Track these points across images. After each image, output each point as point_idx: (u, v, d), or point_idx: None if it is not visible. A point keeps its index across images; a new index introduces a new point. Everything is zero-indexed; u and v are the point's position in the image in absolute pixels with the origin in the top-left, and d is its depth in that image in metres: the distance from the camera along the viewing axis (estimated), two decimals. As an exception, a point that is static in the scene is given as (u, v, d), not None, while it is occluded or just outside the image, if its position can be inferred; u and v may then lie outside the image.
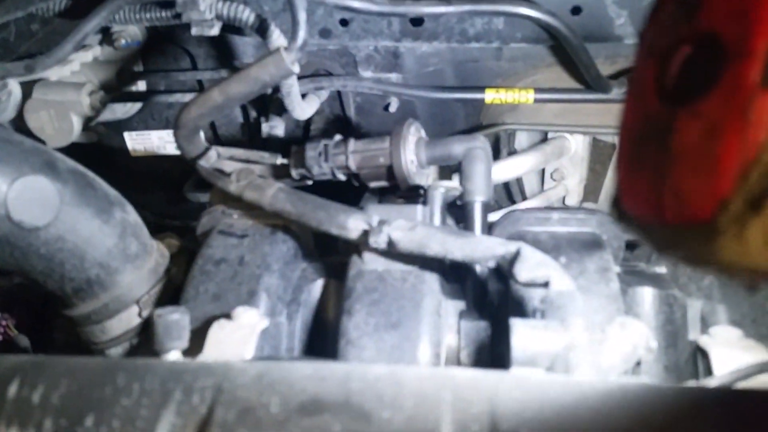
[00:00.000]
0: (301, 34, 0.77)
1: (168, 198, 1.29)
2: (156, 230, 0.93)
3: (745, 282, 0.31)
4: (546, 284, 0.63)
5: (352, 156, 0.84)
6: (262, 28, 0.80)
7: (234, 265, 0.80)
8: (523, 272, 0.65)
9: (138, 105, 1.14)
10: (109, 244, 0.77)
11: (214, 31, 0.84)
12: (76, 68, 1.00)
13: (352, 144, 0.86)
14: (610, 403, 0.44)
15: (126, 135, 1.20)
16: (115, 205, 0.79)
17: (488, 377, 0.45)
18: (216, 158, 0.88)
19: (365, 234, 0.74)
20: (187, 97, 1.08)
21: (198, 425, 0.43)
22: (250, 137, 1.14)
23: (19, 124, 1.02)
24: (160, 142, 1.20)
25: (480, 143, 0.83)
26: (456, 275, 0.81)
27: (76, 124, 1.02)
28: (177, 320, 0.66)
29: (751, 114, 0.26)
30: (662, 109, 0.31)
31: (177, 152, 1.19)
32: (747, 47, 0.27)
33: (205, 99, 0.80)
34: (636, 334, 0.59)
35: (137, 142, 1.21)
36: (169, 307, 0.67)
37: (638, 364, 0.62)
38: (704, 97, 0.29)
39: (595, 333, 0.58)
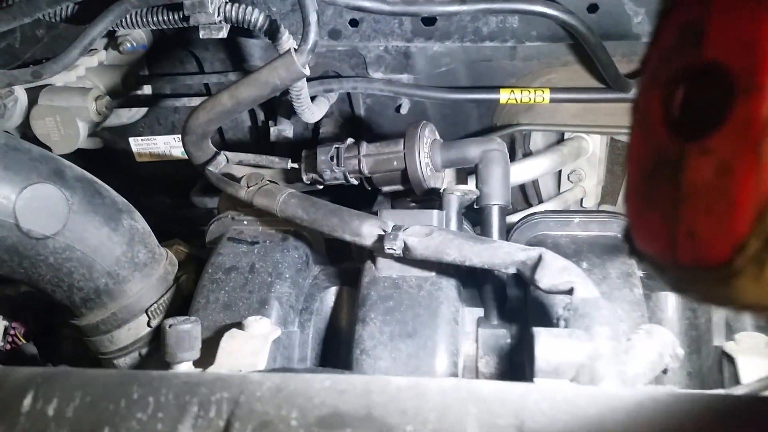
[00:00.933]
0: (312, 36, 0.77)
1: (174, 203, 1.29)
2: (162, 236, 0.94)
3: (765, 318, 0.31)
4: (570, 291, 0.63)
5: (364, 160, 0.84)
6: (271, 30, 0.80)
7: (245, 273, 0.80)
8: (545, 279, 0.65)
9: (143, 110, 1.14)
10: (118, 253, 0.78)
11: (223, 33, 0.84)
12: (81, 73, 1.00)
13: (365, 147, 0.86)
14: (641, 414, 0.44)
15: (131, 140, 1.20)
16: (124, 212, 0.80)
17: (514, 390, 0.45)
18: (225, 163, 0.88)
19: (380, 240, 0.74)
20: (194, 101, 1.08)
21: (215, 441, 0.42)
22: (257, 141, 1.14)
23: (25, 130, 1.02)
24: (165, 147, 1.20)
25: (497, 145, 0.83)
26: (474, 281, 0.81)
27: (82, 129, 1.02)
28: (188, 330, 0.66)
29: (764, 152, 0.26)
30: (671, 143, 0.30)
31: (183, 157, 1.19)
32: (757, 81, 0.26)
33: (214, 104, 0.80)
34: (662, 341, 0.58)
35: (143, 147, 1.21)
36: (180, 318, 0.67)
37: (665, 371, 0.61)
38: (714, 133, 0.28)
39: (620, 341, 0.57)
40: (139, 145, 1.20)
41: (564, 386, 0.52)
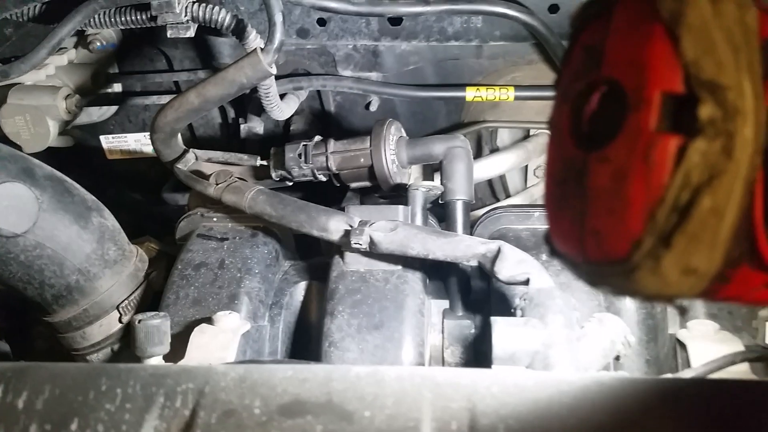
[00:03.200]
0: (278, 35, 0.78)
1: (146, 200, 1.30)
2: (134, 233, 0.94)
3: (673, 306, 0.34)
4: (526, 282, 0.65)
5: (332, 157, 0.86)
6: (238, 30, 0.81)
7: (214, 268, 0.81)
8: (504, 270, 0.67)
9: (114, 108, 1.14)
10: (88, 250, 0.78)
11: (190, 33, 0.85)
12: (51, 72, 1.01)
13: (332, 144, 0.87)
14: (587, 397, 0.46)
15: (102, 138, 1.20)
16: (93, 210, 0.80)
17: (467, 375, 0.47)
18: (194, 161, 0.89)
19: (346, 235, 0.76)
20: (164, 98, 1.09)
21: (181, 428, 0.44)
22: (228, 138, 1.15)
23: (-7, 129, 1.02)
24: (136, 144, 1.20)
25: (460, 142, 0.85)
26: (439, 273, 0.83)
27: (52, 128, 1.02)
28: (158, 325, 0.67)
29: (652, 158, 0.29)
30: (577, 153, 0.34)
31: (154, 154, 1.20)
32: (643, 95, 0.30)
33: (182, 102, 0.81)
34: (614, 329, 0.61)
35: (114, 144, 1.21)
36: (149, 313, 0.68)
37: (617, 358, 0.64)
38: (611, 143, 0.31)
39: (573, 329, 0.60)
40: (110, 142, 1.21)
41: (515, 371, 0.54)
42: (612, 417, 0.46)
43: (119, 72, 1.13)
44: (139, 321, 0.66)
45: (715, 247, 0.29)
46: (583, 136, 0.34)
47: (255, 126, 1.10)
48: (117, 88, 1.13)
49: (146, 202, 1.29)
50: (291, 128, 1.13)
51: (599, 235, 0.32)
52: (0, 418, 0.46)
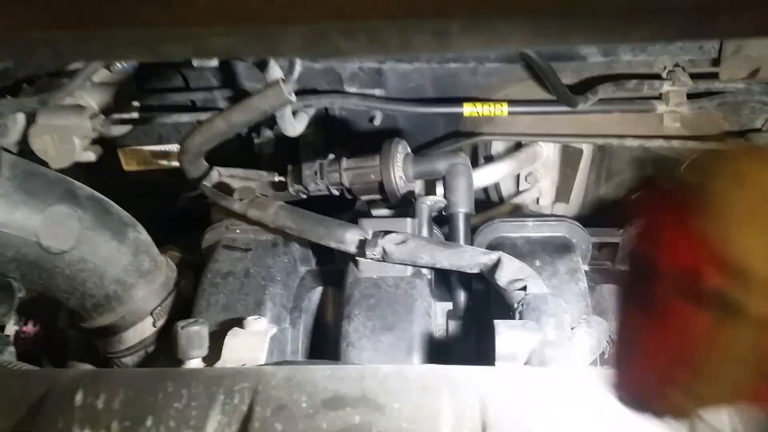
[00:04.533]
0: (297, 68, 0.87)
1: (160, 210, 1.38)
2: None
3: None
4: (524, 288, 0.75)
5: (345, 173, 0.95)
6: (261, 62, 0.89)
7: (240, 277, 0.90)
8: (503, 278, 0.77)
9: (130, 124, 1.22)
10: (125, 263, 0.87)
11: (214, 62, 0.93)
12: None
13: (345, 162, 0.96)
14: (577, 388, 0.56)
15: (119, 151, 1.28)
16: (129, 226, 0.89)
17: (477, 372, 0.56)
18: (218, 178, 0.97)
19: (361, 246, 0.86)
20: (183, 116, 1.16)
21: (241, 422, 0.53)
22: (241, 152, 1.23)
23: (22, 146, 1.10)
24: (152, 157, 1.28)
25: (462, 159, 0.95)
26: (443, 279, 0.93)
27: (78, 145, 1.10)
28: (198, 331, 0.76)
29: None
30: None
31: (169, 166, 1.28)
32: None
33: (209, 127, 0.90)
34: (600, 329, 0.71)
35: (130, 157, 1.29)
36: (189, 320, 0.77)
37: (603, 354, 0.74)
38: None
39: (565, 330, 0.70)
40: (126, 155, 1.28)
41: (515, 368, 0.64)
42: (598, 405, 0.55)
43: (138, 90, 1.20)
44: (182, 327, 0.75)
45: None
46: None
47: (267, 141, 1.18)
48: (135, 104, 1.21)
49: (160, 212, 1.37)
50: (300, 141, 1.21)
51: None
52: (84, 418, 0.54)
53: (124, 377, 0.57)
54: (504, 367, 0.64)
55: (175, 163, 1.27)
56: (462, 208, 0.92)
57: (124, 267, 0.87)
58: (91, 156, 1.20)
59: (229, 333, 0.80)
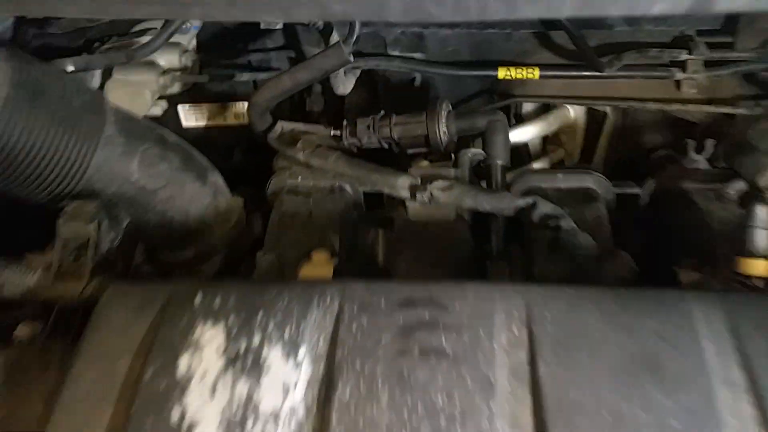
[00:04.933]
0: (356, 30, 1.00)
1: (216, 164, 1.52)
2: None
3: None
4: (557, 226, 0.89)
5: (395, 128, 1.08)
6: (325, 26, 1.02)
7: (304, 218, 1.04)
8: (537, 217, 0.91)
9: (192, 81, 1.36)
10: (206, 202, 1.01)
11: (280, 24, 1.06)
12: (148, 51, 1.22)
13: (394, 118, 1.10)
14: (603, 301, 0.69)
15: (180, 107, 1.41)
16: (208, 170, 1.03)
17: (521, 286, 0.70)
18: (281, 131, 1.11)
19: (412, 191, 0.99)
20: (243, 76, 1.29)
21: (335, 316, 0.67)
22: (292, 109, 1.37)
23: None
24: (209, 113, 1.42)
25: (500, 116, 1.08)
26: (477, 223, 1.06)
27: (149, 100, 1.24)
28: (273, 260, 0.91)
29: None
30: None
31: (226, 123, 1.42)
32: None
33: (277, 84, 1.04)
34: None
35: (189, 113, 1.43)
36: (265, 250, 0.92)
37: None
38: None
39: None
40: (186, 111, 1.42)
41: (560, 286, 0.77)
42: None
43: (198, 49, 1.33)
44: (263, 255, 0.89)
45: None
46: None
47: (316, 100, 1.31)
48: (196, 63, 1.34)
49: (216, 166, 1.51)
50: (346, 101, 1.35)
51: None
52: (205, 314, 0.69)
53: (233, 284, 0.72)
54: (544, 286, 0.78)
55: (231, 120, 1.41)
56: (499, 160, 1.06)
57: (206, 206, 1.01)
58: (158, 111, 1.35)
59: (301, 263, 0.94)
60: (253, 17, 0.61)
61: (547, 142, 1.43)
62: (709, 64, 1.22)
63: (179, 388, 0.61)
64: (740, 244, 0.87)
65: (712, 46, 1.20)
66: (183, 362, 0.63)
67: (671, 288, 0.77)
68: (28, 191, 0.85)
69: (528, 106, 1.40)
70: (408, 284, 0.71)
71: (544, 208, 0.91)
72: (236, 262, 1.08)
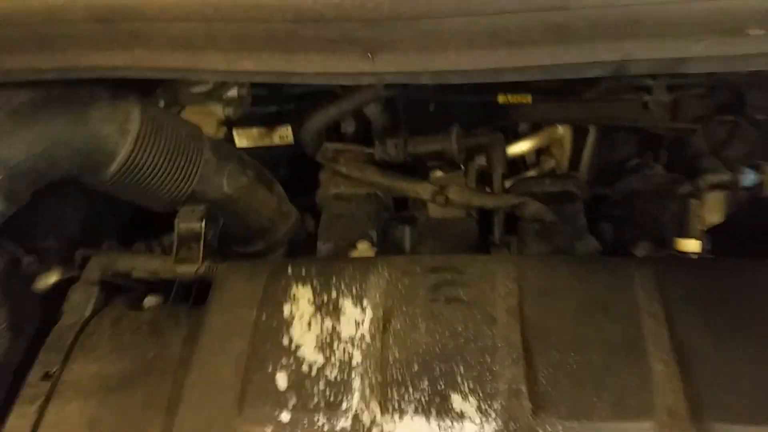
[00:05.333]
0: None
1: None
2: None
3: None
4: (542, 220, 1.21)
5: (417, 146, 1.41)
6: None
7: (348, 217, 1.36)
8: (527, 214, 1.23)
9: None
10: (273, 206, 1.34)
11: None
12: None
13: (417, 138, 1.42)
14: (584, 270, 1.01)
15: (234, 131, 1.74)
16: (274, 182, 1.36)
17: (518, 256, 1.02)
18: (326, 150, 1.44)
19: (432, 194, 1.32)
20: (287, 106, 1.62)
21: (385, 279, 0.99)
22: (328, 132, 1.69)
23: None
24: (259, 136, 1.75)
25: (498, 136, 1.40)
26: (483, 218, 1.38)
27: (215, 126, 1.57)
28: (330, 247, 1.23)
29: None
30: None
31: (271, 142, 1.74)
32: None
33: (326, 113, 1.36)
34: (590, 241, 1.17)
35: (242, 136, 1.75)
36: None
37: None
38: None
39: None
40: (239, 134, 1.75)
41: (540, 256, 1.09)
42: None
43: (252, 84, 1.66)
44: (323, 244, 1.22)
45: None
46: None
47: (349, 125, 1.64)
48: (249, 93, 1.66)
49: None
50: (373, 124, 1.67)
51: None
52: (296, 280, 1.00)
53: (311, 261, 1.04)
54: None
55: (277, 141, 1.74)
56: (499, 169, 1.38)
57: (273, 209, 1.34)
58: (221, 135, 1.68)
59: (350, 251, 1.26)
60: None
61: (541, 153, 1.75)
62: (671, 89, 1.54)
63: (285, 324, 0.94)
64: (680, 229, 1.18)
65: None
66: (286, 309, 0.96)
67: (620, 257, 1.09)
68: (150, 201, 1.18)
69: (524, 125, 1.72)
70: (434, 258, 1.03)
71: (533, 206, 1.23)
72: (294, 253, 1.40)
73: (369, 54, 0.72)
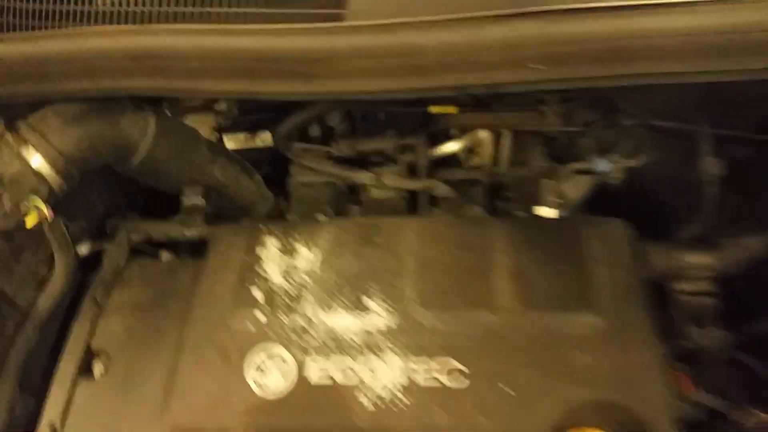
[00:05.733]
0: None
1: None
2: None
3: None
4: (447, 197, 1.70)
5: (364, 145, 1.89)
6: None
7: (311, 199, 1.84)
8: (438, 194, 1.72)
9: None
10: (254, 191, 1.82)
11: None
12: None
13: (364, 140, 1.90)
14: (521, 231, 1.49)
15: (224, 135, 2.22)
16: (254, 173, 1.84)
17: (418, 218, 1.50)
18: (296, 149, 1.92)
19: (373, 181, 1.80)
20: (267, 115, 2.11)
21: (332, 234, 1.46)
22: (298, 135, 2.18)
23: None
24: (244, 139, 2.23)
25: (421, 140, 1.89)
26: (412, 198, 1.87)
27: (209, 131, 2.04)
28: (296, 218, 1.71)
29: None
30: None
31: (255, 145, 2.22)
32: None
33: (294, 120, 1.85)
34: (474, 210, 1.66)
35: (230, 139, 2.23)
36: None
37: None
38: None
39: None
40: (228, 138, 2.23)
41: (432, 217, 1.57)
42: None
43: (239, 100, 2.14)
44: (292, 216, 1.69)
45: None
46: None
47: (315, 129, 2.12)
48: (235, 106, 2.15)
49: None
50: (335, 129, 2.15)
51: None
52: (273, 234, 1.47)
53: (284, 224, 1.52)
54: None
55: (259, 144, 2.22)
56: (422, 162, 1.86)
57: (254, 193, 1.81)
58: (214, 138, 2.16)
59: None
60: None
61: (469, 152, 2.24)
62: (564, 100, 2.03)
63: (261, 262, 1.41)
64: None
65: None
66: (262, 253, 1.43)
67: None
68: (163, 184, 1.66)
69: (453, 130, 2.21)
70: (364, 219, 1.51)
71: (442, 188, 1.71)
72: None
73: (307, 81, 1.20)
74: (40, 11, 1.37)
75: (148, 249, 1.67)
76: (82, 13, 1.32)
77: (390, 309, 1.29)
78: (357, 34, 1.15)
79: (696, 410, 1.22)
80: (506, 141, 2.17)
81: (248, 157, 2.24)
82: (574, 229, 1.39)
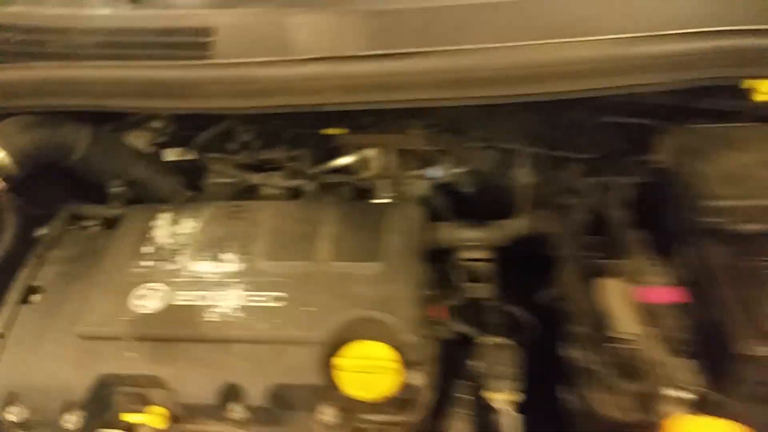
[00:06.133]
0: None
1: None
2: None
3: None
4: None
5: (266, 155, 2.47)
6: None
7: (220, 196, 2.40)
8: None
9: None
10: (168, 186, 2.38)
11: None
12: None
13: (266, 152, 2.48)
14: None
15: (161, 149, 2.80)
16: (170, 173, 2.41)
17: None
18: (212, 158, 2.49)
19: (266, 181, 2.36)
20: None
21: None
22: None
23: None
24: (180, 153, 2.81)
25: (306, 153, 2.46)
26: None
27: (145, 145, 2.63)
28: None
29: None
30: None
31: (186, 157, 2.80)
32: None
33: (206, 134, 2.42)
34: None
35: (167, 153, 2.82)
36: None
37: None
38: None
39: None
40: (165, 152, 2.81)
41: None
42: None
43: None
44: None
45: None
46: None
47: (229, 143, 2.71)
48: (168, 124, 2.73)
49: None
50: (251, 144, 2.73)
51: None
52: (170, 210, 2.03)
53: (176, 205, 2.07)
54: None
55: (191, 156, 2.79)
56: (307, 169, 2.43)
57: (168, 188, 2.37)
58: (151, 150, 2.74)
59: (212, 210, 2.30)
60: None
61: (362, 165, 2.81)
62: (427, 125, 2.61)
63: (152, 230, 1.97)
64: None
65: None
66: (158, 221, 1.99)
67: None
68: (100, 179, 2.23)
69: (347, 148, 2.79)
70: (240, 203, 2.07)
71: (310, 186, 2.29)
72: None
73: (184, 99, 1.79)
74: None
75: (80, 224, 2.24)
76: (33, 53, 1.92)
77: (240, 260, 1.85)
78: (217, 69, 1.74)
79: (447, 332, 1.77)
80: (391, 158, 2.75)
81: (184, 167, 2.84)
82: (381, 210, 1.96)
